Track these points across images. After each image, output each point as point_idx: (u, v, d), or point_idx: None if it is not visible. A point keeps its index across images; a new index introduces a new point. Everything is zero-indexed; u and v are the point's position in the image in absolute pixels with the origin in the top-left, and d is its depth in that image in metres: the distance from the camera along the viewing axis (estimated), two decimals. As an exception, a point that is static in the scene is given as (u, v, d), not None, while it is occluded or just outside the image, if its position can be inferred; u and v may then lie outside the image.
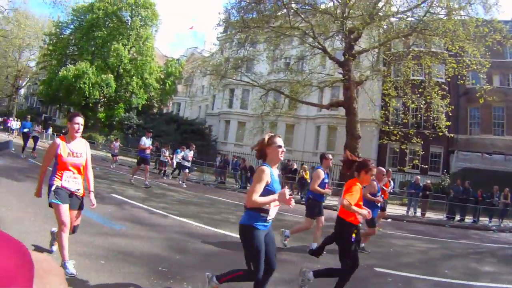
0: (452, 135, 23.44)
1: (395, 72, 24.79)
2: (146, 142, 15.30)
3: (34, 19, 49.95)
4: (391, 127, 23.20)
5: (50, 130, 37.58)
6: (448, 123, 21.23)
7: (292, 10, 22.34)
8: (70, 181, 4.65)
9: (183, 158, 19.35)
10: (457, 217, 18.72)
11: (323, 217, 7.87)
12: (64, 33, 46.01)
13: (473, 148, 30.04)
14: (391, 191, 13.52)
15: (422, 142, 22.38)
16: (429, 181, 21.39)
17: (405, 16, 21.12)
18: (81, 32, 43.17)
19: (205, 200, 14.57)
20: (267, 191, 3.71)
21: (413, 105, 23.62)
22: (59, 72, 39.67)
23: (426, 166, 26.18)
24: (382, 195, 8.89)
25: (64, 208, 4.51)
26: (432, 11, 19.70)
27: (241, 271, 3.96)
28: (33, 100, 68.80)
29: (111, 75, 41.95)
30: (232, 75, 27.95)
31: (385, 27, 21.93)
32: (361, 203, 5.12)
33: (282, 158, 3.93)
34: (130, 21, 43.93)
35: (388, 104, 23.48)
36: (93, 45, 43.10)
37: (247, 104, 37.99)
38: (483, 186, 19.76)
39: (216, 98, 43.82)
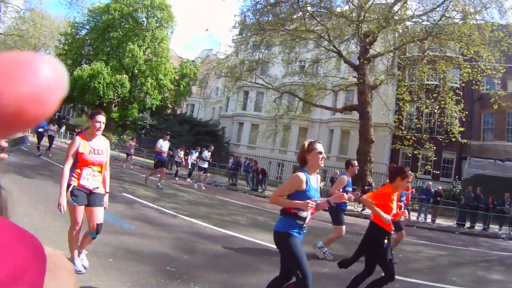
0: (465, 141, 23.19)
1: (409, 77, 24.61)
2: (163, 145, 14.81)
3: (50, 19, 50.39)
4: (404, 132, 23.05)
5: (63, 129, 37.98)
6: (462, 129, 21.05)
7: (308, 13, 22.36)
8: (89, 178, 4.54)
9: (202, 159, 19.03)
10: (467, 224, 18.51)
11: (344, 227, 7.71)
12: (80, 33, 46.49)
13: (486, 154, 29.63)
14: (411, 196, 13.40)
15: (434, 148, 22.19)
16: (440, 187, 21.13)
17: (421, 20, 21.05)
18: (96, 33, 43.64)
19: (215, 201, 14.57)
20: (302, 197, 3.65)
21: (426, 110, 23.43)
22: (74, 72, 39.98)
23: (438, 172, 26.00)
24: (403, 202, 8.74)
25: (80, 209, 4.47)
26: (447, 15, 19.59)
27: (291, 285, 3.79)
28: (48, 99, 69.37)
29: (126, 76, 42.32)
30: (246, 77, 27.99)
31: (400, 31, 21.86)
32: (393, 211, 4.91)
33: (322, 165, 3.85)
34: (146, 23, 44.31)
35: (402, 109, 23.27)
36: (108, 46, 43.54)
37: (261, 107, 38.07)
38: (495, 193, 19.49)
39: (230, 100, 43.86)
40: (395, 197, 4.98)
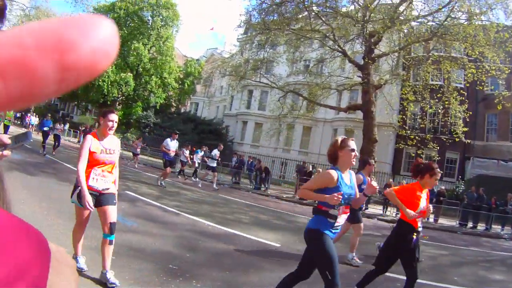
0: (468, 141, 23.09)
1: (414, 77, 24.54)
2: (171, 145, 14.64)
3: (56, 17, 50.60)
4: (408, 132, 23.00)
5: (67, 127, 38.09)
6: (465, 129, 20.99)
7: (313, 13, 22.30)
8: (99, 179, 4.41)
9: (211, 158, 18.98)
10: (470, 224, 18.53)
11: (362, 224, 7.75)
12: (84, 31, 46.41)
13: (489, 154, 29.57)
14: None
15: (438, 148, 22.19)
16: (443, 187, 21.11)
17: (426, 21, 20.97)
18: (101, 31, 43.58)
19: (218, 200, 14.57)
20: (332, 193, 3.58)
21: (431, 110, 23.40)
22: (78, 70, 39.85)
23: (441, 172, 25.86)
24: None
25: (86, 212, 4.42)
26: (453, 16, 19.49)
27: None
28: (51, 96, 69.65)
29: (130, 74, 42.44)
30: (251, 76, 27.96)
31: (405, 31, 21.82)
32: (419, 207, 4.78)
33: (354, 163, 3.79)
34: (151, 21, 44.34)
35: (406, 109, 23.20)
36: (113, 44, 43.46)
37: (265, 106, 38.04)
38: (498, 194, 19.48)
39: (234, 99, 43.94)
40: (423, 194, 4.88)
